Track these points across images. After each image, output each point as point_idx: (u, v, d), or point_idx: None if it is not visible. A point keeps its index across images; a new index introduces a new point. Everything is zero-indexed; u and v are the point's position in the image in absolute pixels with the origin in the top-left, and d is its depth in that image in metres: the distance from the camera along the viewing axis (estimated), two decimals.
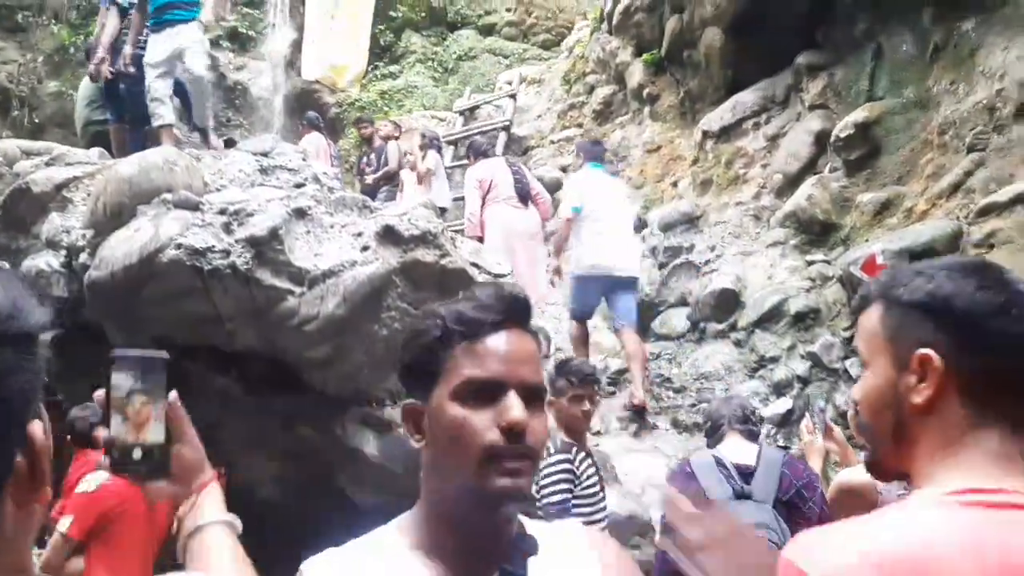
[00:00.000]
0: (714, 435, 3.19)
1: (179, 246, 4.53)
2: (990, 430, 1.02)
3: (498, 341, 1.11)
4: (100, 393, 1.08)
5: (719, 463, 2.93)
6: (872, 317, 1.12)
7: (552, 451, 3.56)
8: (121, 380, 1.07)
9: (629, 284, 6.28)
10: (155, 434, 1.09)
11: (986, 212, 5.06)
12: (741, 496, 2.82)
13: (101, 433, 1.08)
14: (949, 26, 6.02)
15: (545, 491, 3.45)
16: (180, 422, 1.14)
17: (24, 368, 0.76)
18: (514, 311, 1.14)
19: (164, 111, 6.23)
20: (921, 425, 1.05)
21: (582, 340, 6.49)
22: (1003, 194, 5.00)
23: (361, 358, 4.86)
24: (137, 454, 1.08)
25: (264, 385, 5.18)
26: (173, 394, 1.11)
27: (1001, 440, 1.01)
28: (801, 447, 3.49)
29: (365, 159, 10.82)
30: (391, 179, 10.30)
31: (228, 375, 5.23)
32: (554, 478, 3.46)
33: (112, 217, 4.84)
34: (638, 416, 5.91)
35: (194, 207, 4.78)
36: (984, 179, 5.32)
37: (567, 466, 3.48)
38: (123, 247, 4.61)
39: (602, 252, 6.21)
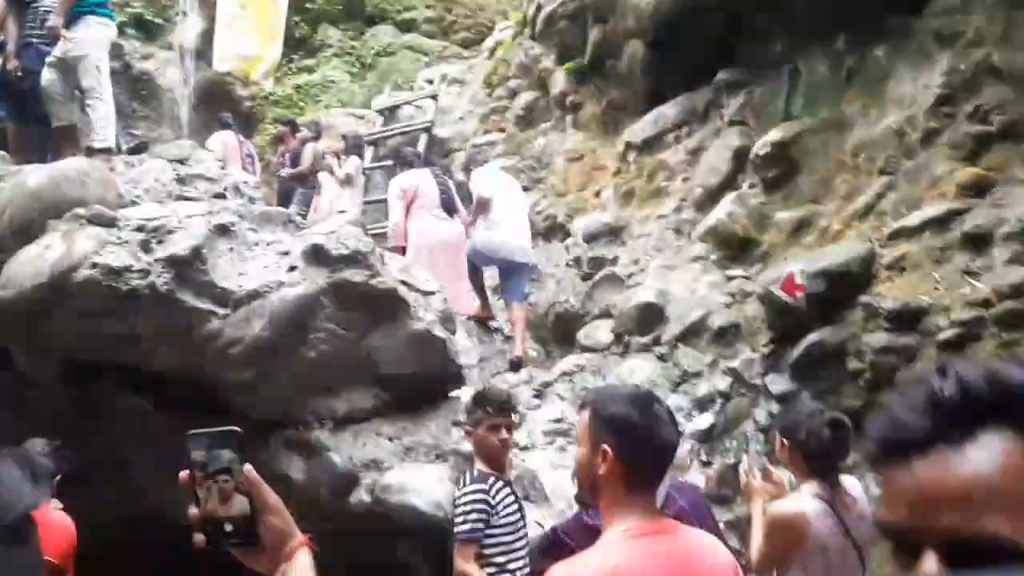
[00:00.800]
0: None
1: (94, 265, 4.32)
2: (638, 494, 1.90)
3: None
4: (184, 474, 1.12)
5: None
6: (585, 416, 2.00)
7: (467, 481, 3.64)
8: (199, 457, 1.11)
9: (524, 269, 7.20)
10: (240, 507, 1.12)
11: (897, 236, 5.29)
12: None
13: (191, 512, 1.12)
14: (862, 52, 6.25)
15: (457, 519, 3.53)
16: (260, 491, 1.15)
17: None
18: None
19: (58, 110, 5.88)
20: (603, 485, 1.91)
21: (479, 285, 7.38)
22: (913, 218, 5.24)
23: (287, 380, 4.74)
24: (228, 528, 1.12)
25: (181, 406, 5.00)
26: (247, 466, 1.13)
27: (643, 499, 1.91)
28: (743, 489, 3.59)
29: (280, 158, 10.51)
30: (304, 180, 10.06)
31: (141, 395, 5.03)
32: (466, 508, 3.54)
33: (19, 232, 4.57)
34: (515, 367, 6.71)
35: (110, 223, 4.57)
36: (895, 202, 5.55)
37: (481, 495, 3.55)
38: (32, 265, 4.36)
39: (503, 240, 6.99)
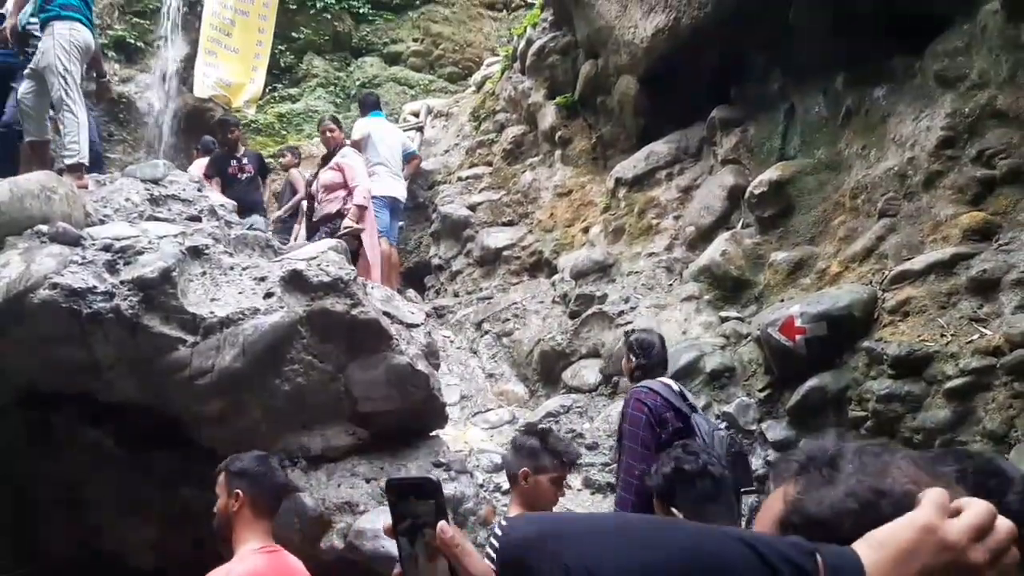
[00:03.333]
0: None
1: (55, 286, 4.02)
2: (262, 522, 2.90)
3: None
4: (388, 524, 1.05)
5: None
6: (221, 476, 2.99)
7: (497, 533, 3.24)
8: (403, 509, 1.04)
9: (401, 209, 9.16)
10: (443, 570, 1.04)
11: (900, 279, 5.10)
12: None
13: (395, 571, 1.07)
14: (861, 92, 6.14)
15: None
16: (456, 546, 1.01)
17: None
18: None
19: (30, 124, 5.61)
20: (236, 521, 2.88)
21: (388, 258, 8.46)
22: (917, 262, 5.06)
23: (258, 414, 4.42)
24: None
25: (143, 440, 4.68)
26: (441, 523, 1.01)
27: (265, 527, 2.90)
28: None
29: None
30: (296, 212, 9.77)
31: (100, 428, 4.69)
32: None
33: None
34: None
35: (74, 242, 4.27)
36: (896, 245, 5.38)
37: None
38: None
39: (391, 184, 8.80)
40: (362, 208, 7.65)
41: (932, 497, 0.87)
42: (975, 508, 0.86)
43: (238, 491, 2.90)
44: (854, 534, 0.89)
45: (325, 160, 8.34)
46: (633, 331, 4.86)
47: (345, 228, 7.41)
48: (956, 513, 0.86)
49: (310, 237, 7.75)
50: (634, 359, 4.46)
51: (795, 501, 0.96)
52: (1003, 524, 0.86)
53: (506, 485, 5.34)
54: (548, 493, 3.35)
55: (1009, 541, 0.85)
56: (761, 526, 1.01)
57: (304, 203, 9.53)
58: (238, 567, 2.74)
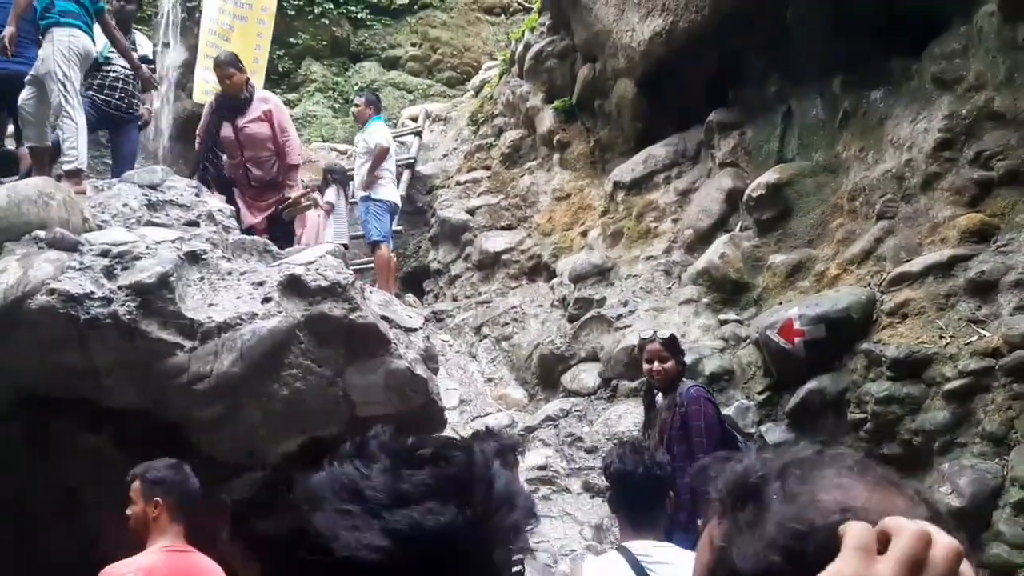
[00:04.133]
0: None
1: (52, 291, 4.01)
2: (174, 527, 3.12)
3: None
4: None
5: None
6: (136, 484, 3.21)
7: None
8: None
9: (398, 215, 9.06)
10: None
11: (898, 281, 5.11)
12: None
13: None
14: (858, 95, 6.15)
15: None
16: None
17: None
18: None
19: (30, 131, 5.61)
20: (153, 527, 3.10)
21: (388, 263, 8.39)
22: (915, 264, 5.06)
23: (257, 419, 4.41)
24: None
25: (142, 445, 4.66)
26: None
27: (177, 529, 3.10)
28: None
29: None
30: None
31: (99, 433, 4.68)
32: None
33: None
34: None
35: (71, 247, 4.26)
36: (894, 247, 5.39)
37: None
38: None
39: (394, 190, 8.73)
40: (295, 168, 6.89)
41: (850, 541, 0.68)
42: (903, 539, 0.67)
43: (157, 499, 3.11)
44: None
45: (224, 109, 6.93)
46: (655, 331, 4.90)
47: (297, 203, 6.94)
48: (886, 543, 0.68)
49: (224, 192, 6.79)
50: (673, 360, 4.59)
51: (720, 551, 0.79)
52: (942, 545, 0.68)
53: None
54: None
55: (954, 563, 0.68)
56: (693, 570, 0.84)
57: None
58: (141, 559, 3.02)
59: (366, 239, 8.48)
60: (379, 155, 8.80)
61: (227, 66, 6.85)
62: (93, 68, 6.70)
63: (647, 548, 2.75)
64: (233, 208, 5.93)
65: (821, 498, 0.76)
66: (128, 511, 3.18)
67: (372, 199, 8.42)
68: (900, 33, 5.79)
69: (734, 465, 0.83)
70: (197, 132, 7.27)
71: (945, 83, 5.51)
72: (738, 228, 6.64)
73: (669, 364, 4.59)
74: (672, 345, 4.64)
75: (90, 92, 6.68)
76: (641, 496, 2.89)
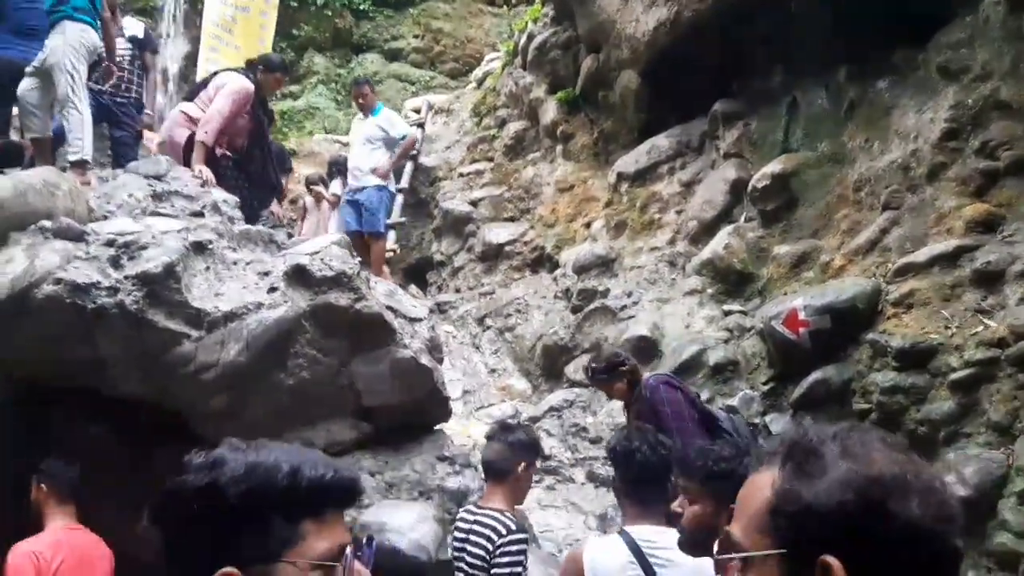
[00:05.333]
0: None
1: (59, 281, 4.02)
2: (63, 507, 3.81)
3: None
4: None
5: None
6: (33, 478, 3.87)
7: (511, 526, 3.23)
8: None
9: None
10: None
11: (903, 272, 5.10)
12: None
13: None
14: (863, 85, 6.13)
15: (501, 571, 3.14)
16: None
17: None
18: None
19: (31, 122, 5.60)
20: (43, 506, 3.82)
21: (383, 254, 8.54)
22: (921, 255, 5.05)
23: (263, 409, 4.43)
24: None
25: (145, 436, 4.67)
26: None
27: (68, 510, 3.82)
28: None
29: None
30: None
31: (101, 423, 4.69)
32: (513, 558, 3.16)
33: None
34: None
35: (77, 237, 4.27)
36: (900, 238, 5.38)
37: (525, 546, 3.21)
38: None
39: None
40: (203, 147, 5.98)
41: None
42: None
43: (42, 484, 3.82)
44: (847, 522, 0.92)
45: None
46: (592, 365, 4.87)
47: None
48: None
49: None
50: (618, 382, 4.66)
51: (786, 490, 0.96)
52: None
53: None
54: (527, 485, 3.52)
55: None
56: (744, 513, 1.02)
57: (306, 201, 9.52)
58: (47, 536, 3.69)
59: (372, 228, 8.29)
60: (408, 145, 8.77)
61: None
62: (98, 63, 6.72)
63: (649, 533, 2.76)
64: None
65: (875, 457, 0.97)
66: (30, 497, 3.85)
67: (388, 190, 8.46)
68: (905, 23, 5.76)
69: (793, 430, 1.11)
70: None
71: (951, 73, 5.49)
72: (742, 219, 6.62)
73: (617, 385, 4.67)
74: (609, 370, 4.68)
75: (88, 83, 6.68)
76: (645, 475, 2.91)
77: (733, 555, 1.00)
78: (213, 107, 5.99)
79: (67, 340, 4.05)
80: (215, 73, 6.50)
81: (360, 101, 8.81)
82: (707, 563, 2.44)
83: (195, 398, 4.24)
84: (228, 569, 1.06)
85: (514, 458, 3.38)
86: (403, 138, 8.60)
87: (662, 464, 2.94)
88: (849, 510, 0.92)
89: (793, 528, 0.95)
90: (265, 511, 1.09)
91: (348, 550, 1.14)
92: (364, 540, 1.22)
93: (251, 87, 6.22)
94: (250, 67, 6.53)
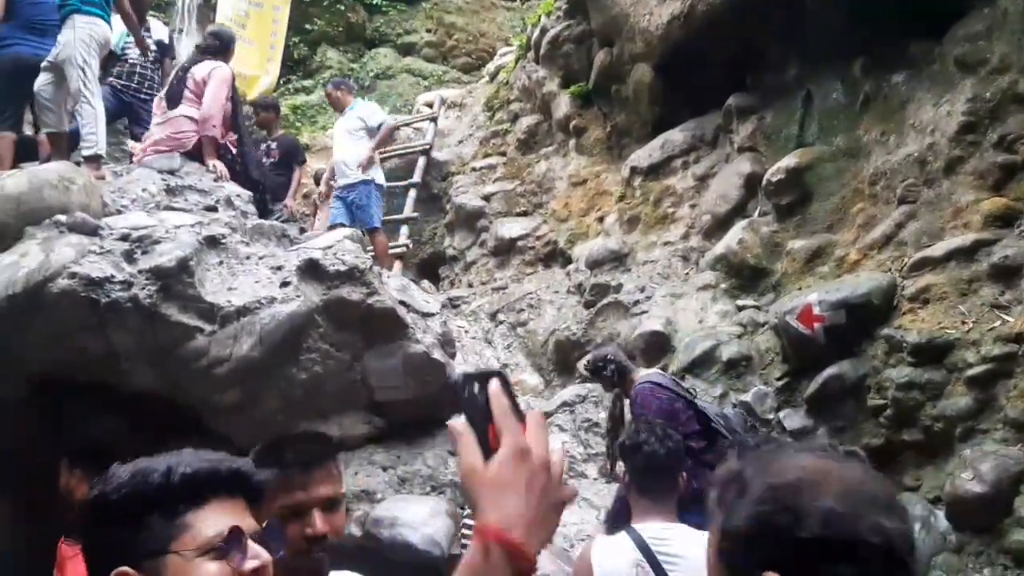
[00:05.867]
0: None
1: (73, 275, 4.04)
2: None
3: None
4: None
5: None
6: None
7: None
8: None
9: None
10: None
11: (920, 266, 5.05)
12: None
13: None
14: (879, 78, 6.07)
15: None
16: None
17: None
18: None
19: (47, 117, 5.63)
20: None
21: (386, 248, 8.41)
22: (937, 249, 5.01)
23: (276, 403, 4.45)
24: None
25: (159, 430, 4.69)
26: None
27: None
28: None
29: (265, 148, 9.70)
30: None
31: (117, 417, 4.71)
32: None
33: None
34: None
35: (92, 231, 4.29)
36: (916, 232, 5.33)
37: None
38: (6, 274, 4.07)
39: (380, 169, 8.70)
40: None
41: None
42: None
43: (75, 470, 3.68)
44: (769, 532, 0.96)
45: None
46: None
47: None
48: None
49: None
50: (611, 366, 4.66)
51: (723, 530, 1.01)
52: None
53: None
54: None
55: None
56: (707, 558, 1.07)
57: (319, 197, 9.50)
58: None
59: (365, 225, 8.07)
60: (386, 133, 8.71)
61: None
62: (113, 57, 6.75)
63: (657, 530, 2.75)
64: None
65: (786, 465, 1.01)
66: None
67: (375, 183, 8.35)
68: (921, 15, 5.69)
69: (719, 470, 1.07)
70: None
71: (968, 66, 5.43)
72: (756, 213, 6.58)
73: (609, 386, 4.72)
74: (593, 372, 4.77)
75: (110, 79, 6.72)
76: (652, 469, 2.89)
77: None
78: (209, 100, 5.94)
79: (81, 334, 4.08)
80: (184, 69, 6.26)
81: (331, 101, 8.85)
82: None
83: (208, 392, 4.25)
84: (123, 568, 1.14)
85: None
86: (380, 127, 8.51)
87: (670, 457, 2.93)
88: (767, 519, 0.96)
89: (738, 560, 1.00)
90: (145, 511, 1.17)
91: (246, 533, 1.19)
92: (265, 526, 1.27)
93: (229, 70, 6.21)
94: (208, 51, 6.41)
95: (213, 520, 1.17)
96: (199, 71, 6.06)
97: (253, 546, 1.19)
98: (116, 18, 7.14)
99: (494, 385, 0.95)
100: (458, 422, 0.96)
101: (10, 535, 4.48)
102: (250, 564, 1.17)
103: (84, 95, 5.39)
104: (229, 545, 1.16)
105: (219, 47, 6.35)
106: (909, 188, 5.52)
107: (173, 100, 6.08)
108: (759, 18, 6.73)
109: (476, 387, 0.97)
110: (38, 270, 4.01)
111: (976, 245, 4.85)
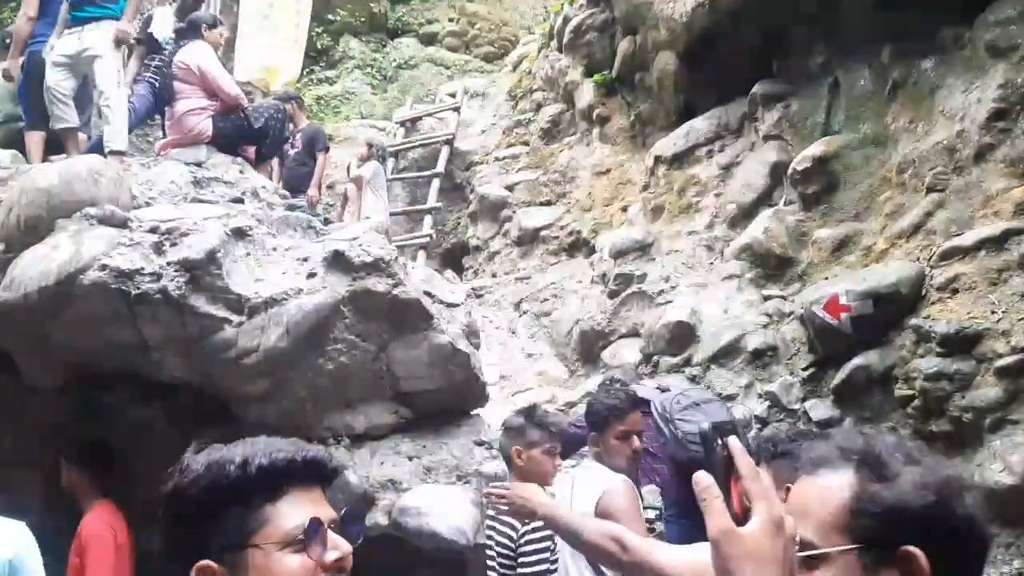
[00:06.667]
0: None
1: (103, 267, 4.08)
2: (98, 487, 4.04)
3: None
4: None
5: None
6: None
7: None
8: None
9: None
10: None
11: (949, 256, 4.99)
12: None
13: None
14: (908, 64, 5.99)
15: (528, 559, 3.12)
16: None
17: None
18: None
19: (63, 112, 5.68)
20: None
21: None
22: (967, 238, 4.95)
23: (303, 393, 4.47)
24: None
25: (191, 418, 4.75)
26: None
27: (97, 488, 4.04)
28: None
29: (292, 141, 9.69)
30: None
31: (150, 406, 4.78)
32: (539, 545, 3.14)
33: (27, 231, 4.35)
34: None
35: (121, 224, 4.33)
36: (945, 221, 5.27)
37: (550, 532, 3.17)
38: (39, 266, 4.13)
39: None
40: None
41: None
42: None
43: (72, 472, 4.06)
44: (927, 518, 1.05)
45: None
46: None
47: None
48: None
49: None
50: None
51: (870, 493, 1.08)
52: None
53: None
54: (544, 465, 3.31)
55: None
56: (813, 515, 1.10)
57: (348, 188, 9.51)
58: (107, 511, 3.96)
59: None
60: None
61: None
62: (153, 51, 6.80)
63: None
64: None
65: (932, 463, 1.13)
66: None
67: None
68: (951, 0, 5.61)
69: (846, 435, 1.19)
70: None
71: (999, 51, 5.34)
72: (782, 202, 6.53)
73: None
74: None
75: (147, 75, 6.75)
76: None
77: (815, 551, 1.08)
78: (214, 78, 5.96)
79: (112, 325, 4.12)
80: (169, 64, 6.25)
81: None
82: None
83: (236, 383, 4.29)
84: (204, 562, 1.13)
85: (509, 444, 3.36)
86: None
87: None
88: (930, 508, 1.05)
89: (877, 525, 1.06)
90: (223, 504, 1.15)
91: (325, 524, 1.17)
92: (343, 514, 1.25)
93: (207, 45, 6.22)
94: (186, 33, 6.40)
95: (292, 511, 1.16)
96: (188, 57, 6.05)
97: (333, 536, 1.18)
98: (164, 10, 7.22)
99: (735, 442, 0.97)
100: (706, 476, 0.97)
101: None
102: (331, 556, 1.16)
103: (115, 92, 5.45)
104: (309, 537, 1.15)
105: (190, 31, 6.40)
106: (938, 176, 5.46)
107: (163, 93, 6.22)
108: (786, 3, 6.67)
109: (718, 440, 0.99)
110: (69, 262, 4.06)
111: (1006, 234, 4.79)
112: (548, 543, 3.15)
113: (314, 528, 1.15)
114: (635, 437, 3.37)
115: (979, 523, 1.09)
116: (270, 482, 1.16)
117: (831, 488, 1.11)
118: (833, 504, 1.09)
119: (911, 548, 1.03)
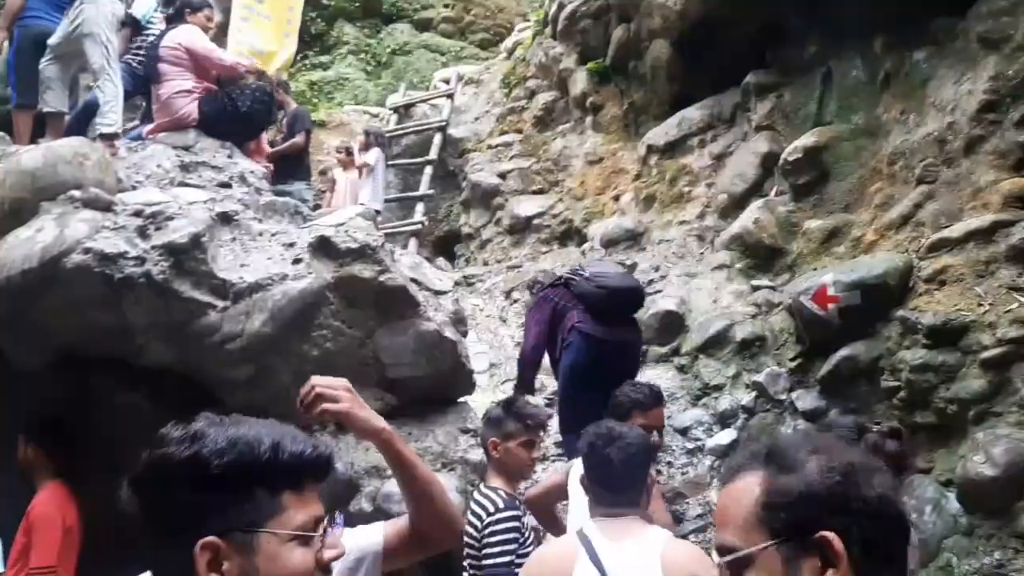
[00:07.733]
0: None
1: (87, 250, 4.06)
2: (52, 466, 4.04)
3: None
4: None
5: None
6: None
7: (499, 504, 3.15)
8: None
9: None
10: None
11: (937, 247, 4.99)
12: None
13: None
14: (900, 55, 5.97)
15: (493, 549, 3.09)
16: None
17: None
18: None
19: (50, 97, 5.62)
20: None
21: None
22: (955, 230, 4.94)
23: (288, 379, 4.45)
24: None
25: (177, 403, 4.74)
26: None
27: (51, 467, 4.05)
28: None
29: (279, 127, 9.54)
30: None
31: (136, 391, 4.76)
32: (506, 537, 3.07)
33: (10, 214, 4.32)
34: None
35: (106, 207, 4.31)
36: (934, 212, 5.26)
37: (516, 523, 3.14)
38: (22, 249, 4.11)
39: None
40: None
41: None
42: None
43: (29, 447, 4.10)
44: (836, 501, 1.06)
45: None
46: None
47: None
48: None
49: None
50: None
51: (778, 485, 1.09)
52: None
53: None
54: (520, 457, 3.28)
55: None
56: (731, 519, 1.12)
57: (336, 173, 9.49)
58: (58, 491, 3.98)
59: None
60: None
61: None
62: (134, 32, 6.74)
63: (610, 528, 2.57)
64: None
65: (837, 449, 1.16)
66: None
67: None
68: None
69: (750, 441, 1.35)
70: None
71: (991, 43, 5.32)
72: (773, 193, 6.52)
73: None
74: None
75: (127, 56, 6.70)
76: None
77: (737, 554, 1.09)
78: (205, 54, 5.88)
79: (96, 309, 4.11)
80: (155, 47, 6.10)
81: None
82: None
83: (220, 368, 4.28)
84: (210, 538, 1.11)
85: (487, 435, 3.35)
86: None
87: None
88: (837, 491, 1.06)
89: (789, 516, 1.07)
90: (249, 483, 1.13)
91: (325, 522, 1.20)
92: (334, 513, 1.27)
93: (194, 26, 6.15)
94: (173, 19, 6.32)
95: (305, 505, 1.17)
96: (177, 38, 5.94)
97: (332, 536, 1.20)
98: None
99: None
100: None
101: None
102: (329, 554, 1.18)
103: (108, 72, 5.38)
104: (324, 534, 1.17)
105: (176, 17, 6.35)
106: (928, 168, 5.45)
107: (149, 76, 6.06)
108: None
109: None
110: (53, 245, 4.04)
111: (995, 226, 4.78)
112: (514, 534, 3.09)
113: (320, 525, 1.18)
114: (655, 432, 3.43)
115: (891, 501, 1.09)
116: (296, 472, 1.17)
117: (744, 489, 1.12)
118: (746, 504, 1.11)
119: (826, 533, 1.03)
